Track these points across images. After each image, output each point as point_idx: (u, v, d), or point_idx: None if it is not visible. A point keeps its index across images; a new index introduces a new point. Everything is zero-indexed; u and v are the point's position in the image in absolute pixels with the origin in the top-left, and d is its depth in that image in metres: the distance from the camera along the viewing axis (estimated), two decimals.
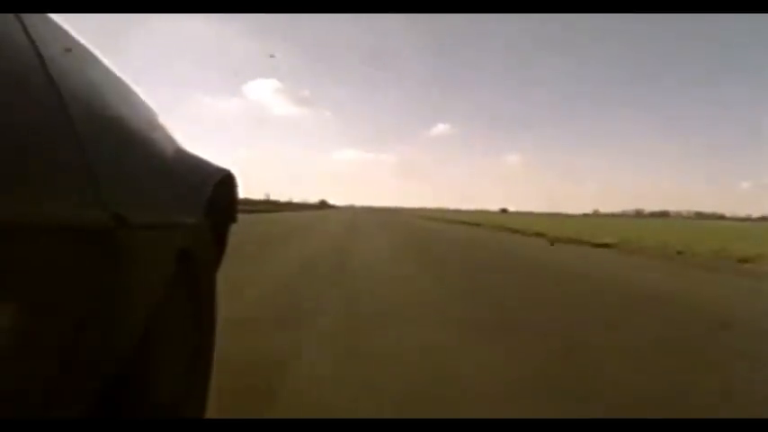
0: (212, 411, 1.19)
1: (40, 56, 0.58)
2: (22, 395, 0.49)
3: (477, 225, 22.41)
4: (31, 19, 0.60)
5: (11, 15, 0.56)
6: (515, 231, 16.41)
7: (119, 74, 0.97)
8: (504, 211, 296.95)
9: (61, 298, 0.54)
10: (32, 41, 0.58)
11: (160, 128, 1.08)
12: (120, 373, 0.69)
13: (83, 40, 0.81)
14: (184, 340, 1.05)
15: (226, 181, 1.33)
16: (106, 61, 0.91)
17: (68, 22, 0.75)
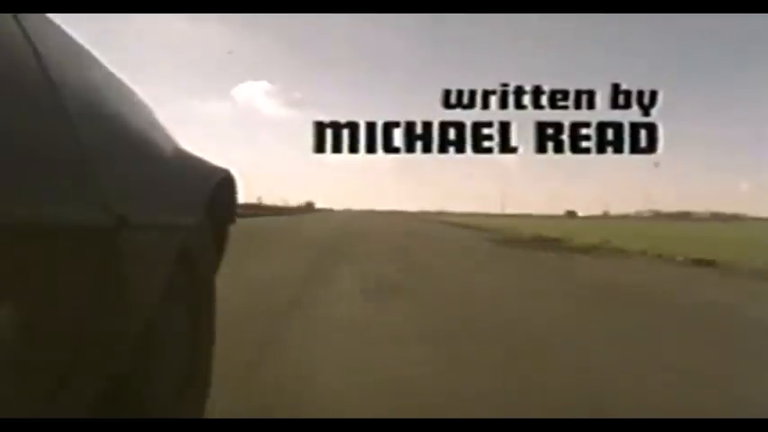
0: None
1: (38, 56, 0.58)
2: (23, 395, 0.49)
3: None
4: (30, 19, 0.60)
5: (9, 16, 0.56)
6: None
7: (118, 74, 0.97)
8: (571, 214, 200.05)
9: (61, 298, 0.54)
10: (31, 42, 0.58)
11: (159, 128, 1.08)
12: (120, 373, 0.69)
13: (81, 41, 0.81)
14: (184, 340, 1.05)
15: (225, 181, 1.33)
16: (105, 61, 0.91)
17: (67, 23, 0.75)
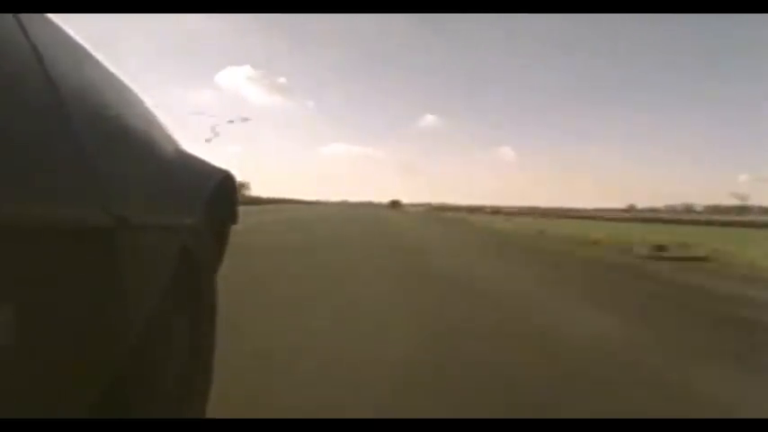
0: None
1: (39, 56, 0.58)
2: (22, 395, 0.49)
3: None
4: (31, 19, 0.60)
5: (10, 16, 0.56)
6: None
7: (118, 74, 0.97)
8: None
9: (61, 298, 0.54)
10: (31, 42, 0.58)
11: (159, 128, 1.08)
12: (120, 374, 0.69)
13: (82, 41, 0.81)
14: (185, 340, 1.05)
15: (225, 182, 1.33)
16: (105, 61, 0.91)
17: (68, 23, 0.75)
